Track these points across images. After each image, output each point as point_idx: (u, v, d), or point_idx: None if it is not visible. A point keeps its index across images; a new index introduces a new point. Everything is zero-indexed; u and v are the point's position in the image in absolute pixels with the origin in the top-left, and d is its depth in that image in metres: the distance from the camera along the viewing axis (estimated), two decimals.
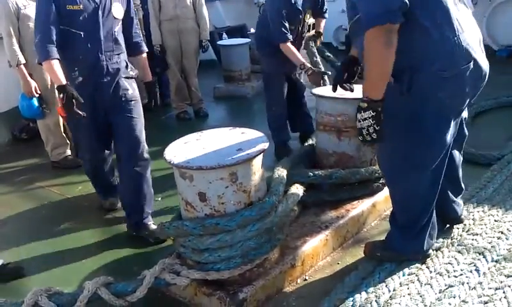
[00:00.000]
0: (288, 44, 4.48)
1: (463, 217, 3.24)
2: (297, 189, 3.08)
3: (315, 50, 5.12)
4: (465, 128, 3.01)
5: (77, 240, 3.73)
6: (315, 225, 3.28)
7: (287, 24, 4.47)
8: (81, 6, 3.38)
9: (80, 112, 3.29)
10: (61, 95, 3.29)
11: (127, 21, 3.67)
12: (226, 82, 7.92)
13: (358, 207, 3.48)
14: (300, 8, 4.59)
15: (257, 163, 2.70)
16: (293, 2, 4.51)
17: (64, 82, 3.29)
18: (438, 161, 2.70)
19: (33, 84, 4.82)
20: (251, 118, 6.69)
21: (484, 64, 2.59)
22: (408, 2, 2.30)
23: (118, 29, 3.55)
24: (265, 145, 2.73)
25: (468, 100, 2.66)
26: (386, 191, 3.64)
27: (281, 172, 3.09)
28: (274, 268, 2.87)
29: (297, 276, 3.00)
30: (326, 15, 5.02)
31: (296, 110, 5.08)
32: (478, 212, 3.39)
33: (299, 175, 3.31)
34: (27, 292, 2.53)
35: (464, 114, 2.88)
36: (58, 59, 3.33)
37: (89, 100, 3.42)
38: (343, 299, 2.68)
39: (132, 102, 3.60)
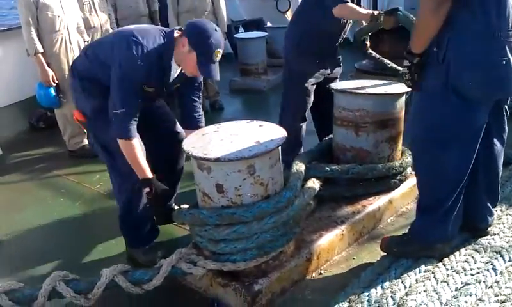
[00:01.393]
0: (349, 3, 3.80)
1: (489, 229, 3.12)
2: (314, 184, 3.08)
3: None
4: (505, 121, 2.92)
5: (94, 227, 3.78)
6: (331, 219, 3.28)
7: None
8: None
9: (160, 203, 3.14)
10: (147, 189, 3.01)
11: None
12: (242, 76, 7.92)
13: (375, 203, 3.47)
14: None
15: (275, 156, 2.71)
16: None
17: (150, 175, 2.99)
18: (463, 141, 2.70)
19: (50, 73, 4.87)
20: (267, 111, 6.70)
21: None
22: None
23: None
24: (283, 138, 2.73)
25: (503, 91, 2.69)
26: (403, 188, 3.64)
27: (300, 166, 3.09)
28: (289, 261, 2.88)
29: (313, 270, 3.01)
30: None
31: (327, 123, 3.97)
32: (496, 211, 3.35)
33: (316, 170, 3.30)
34: (45, 278, 2.56)
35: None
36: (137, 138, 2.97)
37: None
38: (358, 294, 2.68)
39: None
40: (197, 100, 3.37)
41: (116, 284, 2.58)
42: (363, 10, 3.98)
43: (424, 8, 2.52)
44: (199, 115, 3.37)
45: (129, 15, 6.25)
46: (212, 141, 2.74)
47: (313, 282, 2.95)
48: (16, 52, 5.82)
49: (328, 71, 4.22)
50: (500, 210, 3.37)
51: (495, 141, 2.89)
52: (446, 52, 2.56)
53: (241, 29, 9.58)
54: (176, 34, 3.01)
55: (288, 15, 10.93)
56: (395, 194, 3.60)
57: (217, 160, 2.55)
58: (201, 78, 3.33)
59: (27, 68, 5.66)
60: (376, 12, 3.83)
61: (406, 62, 2.74)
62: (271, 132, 2.81)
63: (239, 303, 2.68)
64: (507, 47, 2.53)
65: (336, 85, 3.81)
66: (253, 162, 2.58)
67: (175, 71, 3.11)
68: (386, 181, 3.57)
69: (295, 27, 4.23)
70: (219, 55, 2.92)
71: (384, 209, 3.52)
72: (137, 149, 2.94)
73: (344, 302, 2.63)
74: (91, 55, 3.12)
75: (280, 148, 2.74)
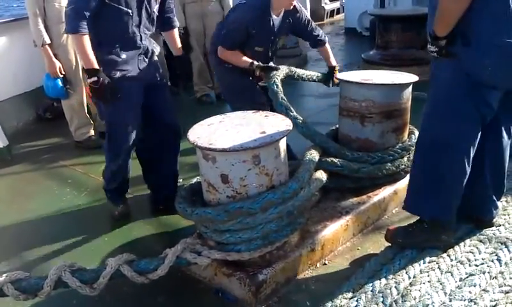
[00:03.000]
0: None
1: (494, 220, 3.12)
2: (321, 175, 3.07)
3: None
4: None
5: (99, 217, 3.79)
6: (335, 210, 3.29)
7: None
8: None
9: (111, 99, 3.24)
10: (94, 79, 3.16)
11: None
12: None
13: (380, 194, 3.48)
14: (275, 30, 3.96)
15: (280, 146, 2.71)
16: (268, 20, 3.88)
17: (96, 66, 3.16)
18: (466, 120, 2.70)
19: (58, 64, 4.87)
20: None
21: None
22: None
23: (156, 8, 3.49)
24: (289, 128, 2.73)
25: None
26: (408, 179, 3.62)
27: (313, 156, 3.09)
28: (294, 252, 2.89)
29: (317, 260, 3.02)
30: (325, 39, 4.26)
31: None
32: (501, 202, 3.34)
33: (326, 163, 3.27)
34: (51, 268, 2.57)
35: None
36: (88, 35, 3.13)
37: (131, 79, 3.36)
38: (362, 284, 2.68)
39: (164, 81, 3.70)
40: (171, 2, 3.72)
41: (121, 274, 2.59)
42: (243, 59, 3.92)
43: None
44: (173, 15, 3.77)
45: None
46: (218, 131, 2.74)
47: (318, 272, 2.96)
48: (24, 43, 5.83)
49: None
50: (506, 201, 3.36)
51: (504, 134, 2.88)
52: (469, 34, 2.53)
53: None
54: None
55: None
56: (400, 184, 3.59)
57: (223, 150, 2.54)
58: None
59: (34, 59, 5.68)
60: (255, 63, 3.88)
61: (432, 48, 2.68)
62: (277, 122, 2.81)
63: (243, 293, 2.70)
64: None
65: (343, 75, 3.79)
66: (258, 153, 2.58)
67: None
68: (391, 173, 3.55)
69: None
70: None
71: (390, 200, 3.52)
72: (86, 43, 3.11)
73: (348, 292, 2.64)
74: None
75: (285, 138, 2.73)
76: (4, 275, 2.48)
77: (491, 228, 3.08)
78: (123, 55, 3.31)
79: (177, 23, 3.83)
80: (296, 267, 2.88)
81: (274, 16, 3.88)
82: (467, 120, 2.71)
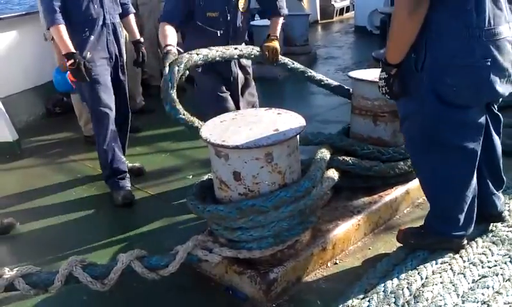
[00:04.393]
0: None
1: (504, 214, 3.09)
2: (333, 174, 3.05)
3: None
4: (497, 112, 2.86)
5: (109, 212, 3.79)
6: (347, 209, 3.27)
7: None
8: None
9: (87, 78, 3.60)
10: (71, 61, 3.53)
11: None
12: (257, 63, 7.85)
13: (392, 193, 3.45)
14: None
15: (293, 144, 2.69)
16: None
17: (72, 49, 3.54)
18: (458, 142, 2.62)
19: None
20: (282, 99, 6.67)
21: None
22: None
23: None
24: (302, 126, 2.71)
25: (490, 96, 2.58)
26: None
27: (325, 155, 3.07)
28: (305, 250, 2.87)
29: (328, 259, 3.00)
30: (285, 12, 3.74)
31: None
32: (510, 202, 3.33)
33: (338, 161, 3.26)
34: (61, 263, 2.57)
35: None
36: (64, 25, 3.54)
37: (102, 58, 3.81)
38: (374, 284, 2.66)
39: (123, 60, 4.06)
40: None
41: (132, 269, 2.59)
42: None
43: (399, 12, 2.40)
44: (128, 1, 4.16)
45: (149, 0, 6.34)
46: (230, 128, 2.73)
47: (329, 271, 2.94)
48: (34, 37, 5.85)
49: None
50: None
51: (492, 131, 2.83)
52: (425, 57, 2.47)
53: (257, 17, 9.51)
54: None
55: (305, 3, 10.86)
56: (412, 184, 3.56)
57: (235, 147, 2.53)
58: None
59: (44, 53, 5.69)
60: (168, 47, 3.21)
61: (382, 74, 2.61)
62: (290, 120, 2.79)
63: (254, 291, 2.69)
64: (491, 46, 2.41)
65: (355, 74, 3.77)
66: (271, 150, 2.57)
67: None
68: (403, 172, 3.53)
69: None
70: None
71: (401, 200, 3.50)
72: (62, 31, 3.52)
73: (359, 292, 2.62)
74: None
75: (298, 136, 2.72)
76: (15, 269, 2.49)
77: (503, 229, 3.05)
78: (92, 38, 3.72)
79: (132, 10, 4.19)
80: (307, 266, 2.87)
81: None
82: (465, 157, 2.67)
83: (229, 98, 3.67)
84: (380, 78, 2.64)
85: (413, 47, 2.47)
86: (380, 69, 2.64)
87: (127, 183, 3.97)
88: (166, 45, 3.24)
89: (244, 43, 3.75)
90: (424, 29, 2.41)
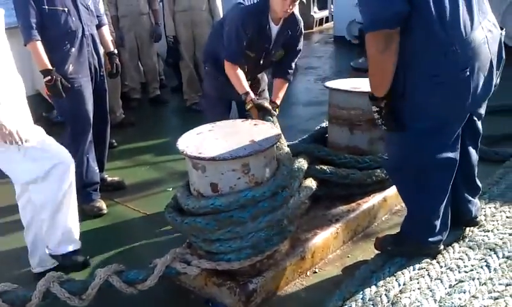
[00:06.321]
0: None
1: (478, 219, 3.13)
2: (311, 183, 3.07)
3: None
4: (479, 126, 2.92)
5: (88, 227, 3.75)
6: (325, 218, 3.29)
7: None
8: None
9: (63, 94, 3.61)
10: (48, 78, 3.55)
11: None
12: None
13: (369, 201, 3.49)
14: (272, 39, 3.55)
15: (269, 155, 2.71)
16: (265, 26, 3.48)
17: (49, 66, 3.57)
18: (439, 158, 2.66)
19: None
20: None
21: (492, 68, 2.56)
22: (408, 7, 2.31)
23: (90, 2, 3.89)
24: (278, 137, 2.73)
25: (473, 104, 2.61)
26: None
27: (302, 165, 3.10)
28: (284, 260, 2.88)
29: (307, 268, 3.01)
30: (291, 78, 3.78)
31: None
32: (490, 208, 3.38)
33: (316, 170, 3.29)
34: (41, 278, 2.55)
35: (482, 111, 2.82)
36: (40, 41, 3.56)
37: (84, 70, 3.80)
38: (353, 292, 2.68)
39: (103, 71, 4.07)
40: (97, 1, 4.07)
41: (111, 284, 2.58)
42: (241, 82, 3.47)
43: (371, 52, 2.45)
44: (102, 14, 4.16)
45: (130, 13, 6.31)
46: (207, 140, 2.74)
47: (308, 280, 2.96)
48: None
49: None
50: (494, 207, 3.38)
51: (468, 140, 2.87)
52: (405, 84, 2.51)
53: None
54: None
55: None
56: (390, 192, 3.60)
57: (212, 159, 2.54)
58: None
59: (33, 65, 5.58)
60: (250, 95, 3.40)
61: (374, 108, 2.63)
62: (266, 131, 2.81)
63: (233, 302, 2.69)
64: (468, 54, 2.44)
65: (332, 84, 3.81)
66: (247, 161, 2.58)
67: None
68: (380, 179, 3.56)
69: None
70: None
71: (379, 207, 3.53)
72: (39, 47, 3.55)
73: (338, 300, 2.63)
74: None
75: (274, 147, 2.73)
76: None
77: (480, 234, 3.09)
78: (73, 50, 3.71)
79: (105, 22, 4.25)
80: (287, 276, 2.88)
81: (272, 24, 3.51)
82: (445, 167, 2.71)
83: None
84: (373, 112, 2.65)
85: (393, 75, 2.49)
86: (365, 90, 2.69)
87: (99, 195, 4.00)
88: (247, 92, 3.40)
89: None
90: (399, 56, 2.42)
